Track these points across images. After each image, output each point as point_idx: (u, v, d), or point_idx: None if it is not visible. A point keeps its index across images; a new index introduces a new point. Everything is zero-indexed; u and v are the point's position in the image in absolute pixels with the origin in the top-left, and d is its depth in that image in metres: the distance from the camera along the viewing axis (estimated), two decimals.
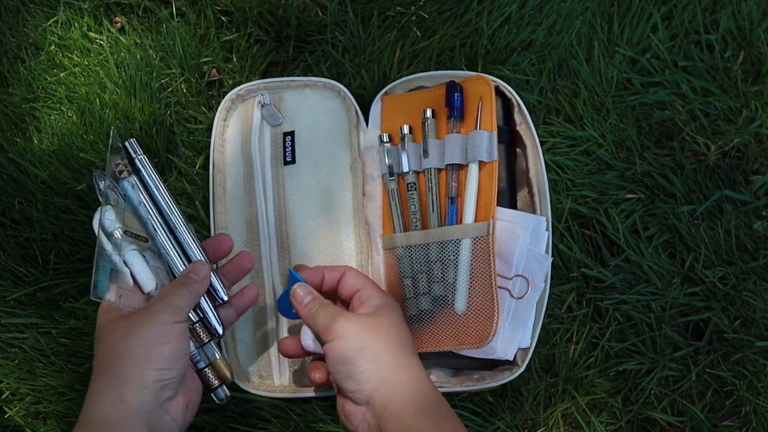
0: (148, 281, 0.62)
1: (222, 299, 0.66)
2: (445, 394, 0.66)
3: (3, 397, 0.75)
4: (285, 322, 0.74)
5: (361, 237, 0.75)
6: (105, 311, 0.60)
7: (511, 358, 0.71)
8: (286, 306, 0.68)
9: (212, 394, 0.65)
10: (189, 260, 0.66)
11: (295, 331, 0.74)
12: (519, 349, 0.72)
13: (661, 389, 0.77)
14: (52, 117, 0.80)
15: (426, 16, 0.82)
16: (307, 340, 0.66)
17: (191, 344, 0.63)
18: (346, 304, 0.68)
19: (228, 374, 0.65)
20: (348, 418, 0.61)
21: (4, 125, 0.80)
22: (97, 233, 0.61)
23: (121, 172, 0.64)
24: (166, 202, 0.67)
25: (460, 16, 0.83)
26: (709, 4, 0.84)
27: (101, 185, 0.63)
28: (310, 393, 0.73)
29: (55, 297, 0.77)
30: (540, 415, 0.75)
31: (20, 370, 0.75)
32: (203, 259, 0.65)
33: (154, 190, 0.67)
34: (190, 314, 0.63)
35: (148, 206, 0.66)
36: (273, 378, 0.74)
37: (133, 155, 0.67)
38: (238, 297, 0.68)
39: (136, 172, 0.66)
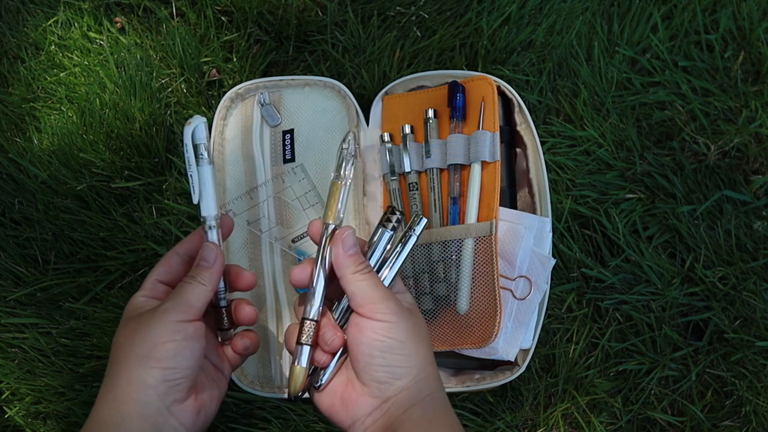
0: (211, 204, 0.59)
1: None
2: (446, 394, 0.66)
3: (3, 397, 0.75)
4: (286, 322, 0.74)
5: (362, 237, 0.75)
6: (128, 309, 0.58)
7: (513, 359, 0.71)
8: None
9: (219, 333, 0.61)
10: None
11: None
12: (520, 349, 0.72)
13: (661, 389, 0.77)
14: (52, 117, 0.80)
15: (426, 16, 0.82)
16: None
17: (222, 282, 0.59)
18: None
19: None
20: (345, 404, 0.55)
21: (4, 125, 0.80)
22: (185, 142, 0.58)
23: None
24: None
25: (460, 16, 0.83)
26: (709, 4, 0.84)
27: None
28: None
29: (55, 297, 0.77)
30: (540, 415, 0.75)
31: (20, 370, 0.75)
32: (212, 242, 0.59)
33: None
34: None
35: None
36: (273, 378, 0.74)
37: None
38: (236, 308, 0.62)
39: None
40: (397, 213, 0.58)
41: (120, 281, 0.77)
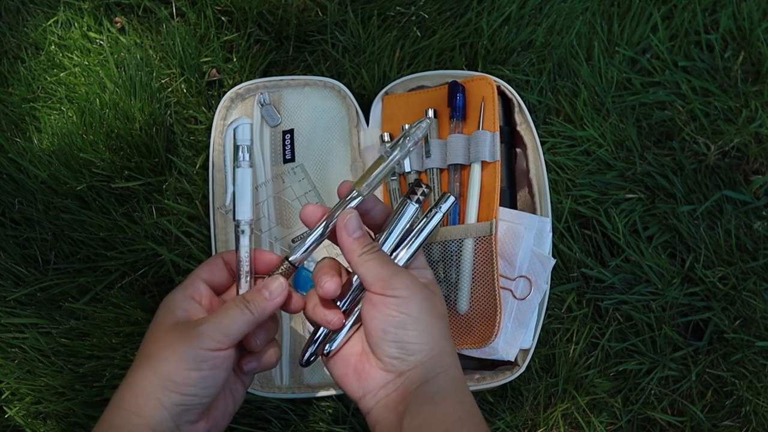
0: (246, 208, 0.59)
1: None
2: None
3: (3, 397, 0.75)
4: (286, 322, 0.74)
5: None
6: (164, 306, 0.56)
7: (513, 359, 0.71)
8: (301, 281, 0.67)
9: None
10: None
11: (296, 337, 0.74)
12: (520, 350, 0.72)
13: (661, 389, 0.77)
14: (52, 117, 0.80)
15: (426, 16, 0.82)
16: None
17: None
18: None
19: None
20: (358, 375, 0.55)
21: (4, 125, 0.80)
22: (225, 142, 0.58)
23: None
24: None
25: (460, 16, 0.83)
26: (709, 4, 0.84)
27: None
28: (310, 393, 0.73)
29: (55, 297, 0.77)
30: (540, 415, 0.75)
31: (20, 370, 0.75)
32: (281, 276, 0.57)
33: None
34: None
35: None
36: (273, 378, 0.74)
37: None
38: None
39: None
40: (423, 186, 0.57)
41: (120, 281, 0.77)
